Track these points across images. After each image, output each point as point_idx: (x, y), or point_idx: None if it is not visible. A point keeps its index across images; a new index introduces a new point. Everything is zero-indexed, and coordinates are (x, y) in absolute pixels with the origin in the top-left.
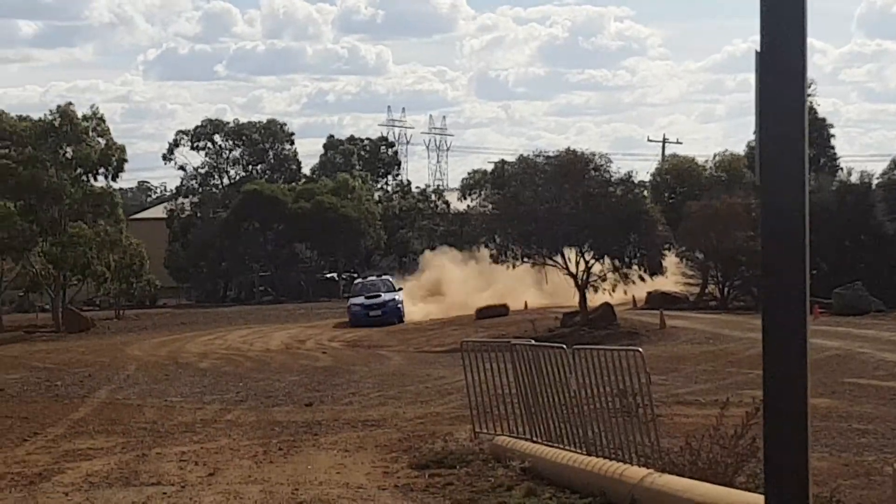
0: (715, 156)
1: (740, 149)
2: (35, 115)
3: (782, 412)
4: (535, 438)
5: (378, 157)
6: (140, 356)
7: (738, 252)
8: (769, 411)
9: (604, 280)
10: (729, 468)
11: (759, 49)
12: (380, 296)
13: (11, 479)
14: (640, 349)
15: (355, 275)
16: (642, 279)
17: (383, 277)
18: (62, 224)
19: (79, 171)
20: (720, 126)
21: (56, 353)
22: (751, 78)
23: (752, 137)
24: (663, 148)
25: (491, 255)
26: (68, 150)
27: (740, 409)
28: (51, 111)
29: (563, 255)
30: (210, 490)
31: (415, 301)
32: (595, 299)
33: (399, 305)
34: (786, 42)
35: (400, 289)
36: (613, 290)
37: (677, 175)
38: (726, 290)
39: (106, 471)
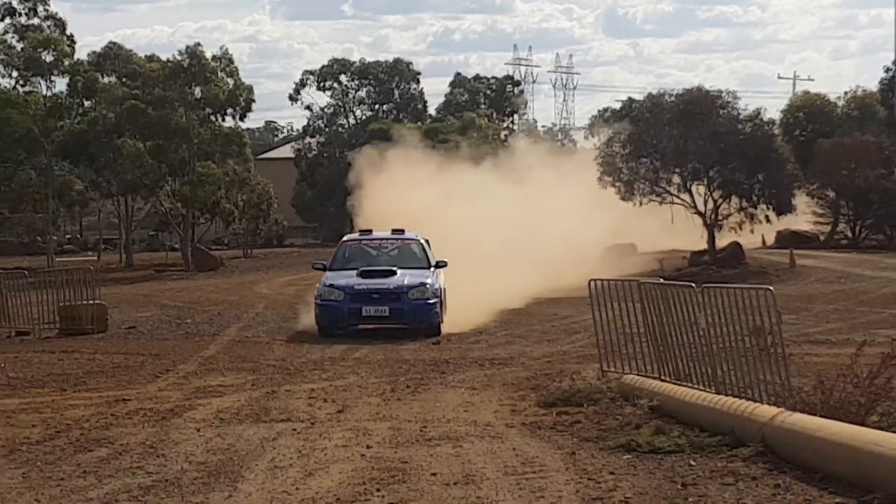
0: (847, 93)
1: (873, 85)
2: (164, 56)
3: None
4: (663, 377)
5: (504, 96)
6: (268, 294)
7: (870, 190)
8: None
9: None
10: (861, 408)
11: None
12: (393, 275)
13: (144, 415)
14: (771, 287)
15: None
16: (768, 219)
17: (408, 236)
18: (191, 164)
19: (207, 111)
20: (852, 62)
21: (186, 292)
22: (886, 13)
23: (886, 74)
24: (794, 85)
25: (618, 193)
26: (197, 90)
27: (872, 348)
28: (180, 52)
29: (690, 194)
30: (339, 427)
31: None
32: (723, 239)
33: (431, 300)
34: None
35: (441, 263)
36: (740, 228)
37: (808, 112)
38: (858, 228)
39: (236, 407)
